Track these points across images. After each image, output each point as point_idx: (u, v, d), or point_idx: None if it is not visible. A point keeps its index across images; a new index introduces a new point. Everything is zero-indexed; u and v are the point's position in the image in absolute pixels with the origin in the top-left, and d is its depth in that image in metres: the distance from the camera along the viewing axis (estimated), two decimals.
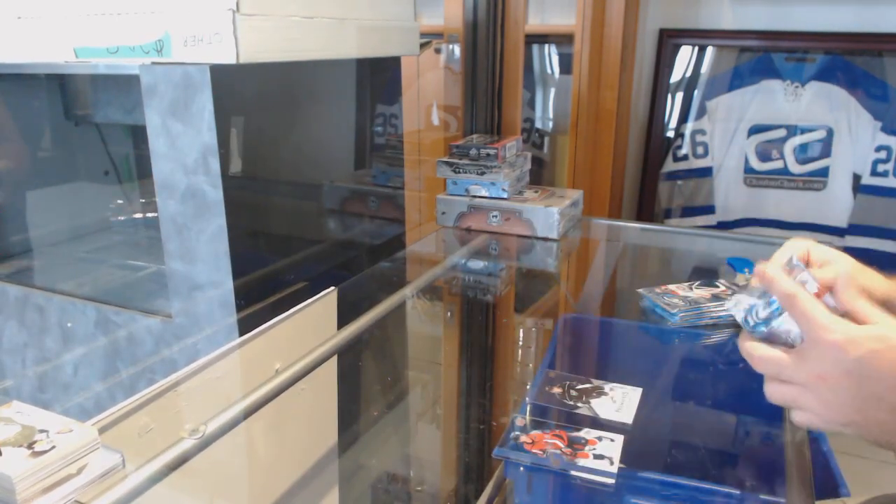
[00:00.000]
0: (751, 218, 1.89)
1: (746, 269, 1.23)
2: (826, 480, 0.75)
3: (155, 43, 0.91)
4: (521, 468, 0.68)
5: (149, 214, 1.58)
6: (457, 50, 1.60)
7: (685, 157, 1.92)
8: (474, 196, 1.41)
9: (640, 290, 1.11)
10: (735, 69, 1.85)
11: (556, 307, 1.26)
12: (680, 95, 1.91)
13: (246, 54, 0.88)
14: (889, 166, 1.73)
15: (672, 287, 1.10)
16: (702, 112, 1.88)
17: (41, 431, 0.58)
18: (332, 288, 1.05)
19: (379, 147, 1.37)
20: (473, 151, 1.39)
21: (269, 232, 1.08)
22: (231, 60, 0.87)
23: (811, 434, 0.74)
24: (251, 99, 1.00)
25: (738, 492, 0.64)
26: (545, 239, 1.36)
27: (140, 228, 1.56)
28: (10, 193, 1.38)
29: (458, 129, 1.66)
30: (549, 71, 2.02)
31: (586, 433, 0.72)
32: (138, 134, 1.51)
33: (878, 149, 1.74)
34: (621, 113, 1.87)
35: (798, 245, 0.62)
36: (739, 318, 0.60)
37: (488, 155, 1.38)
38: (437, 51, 1.63)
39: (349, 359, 1.00)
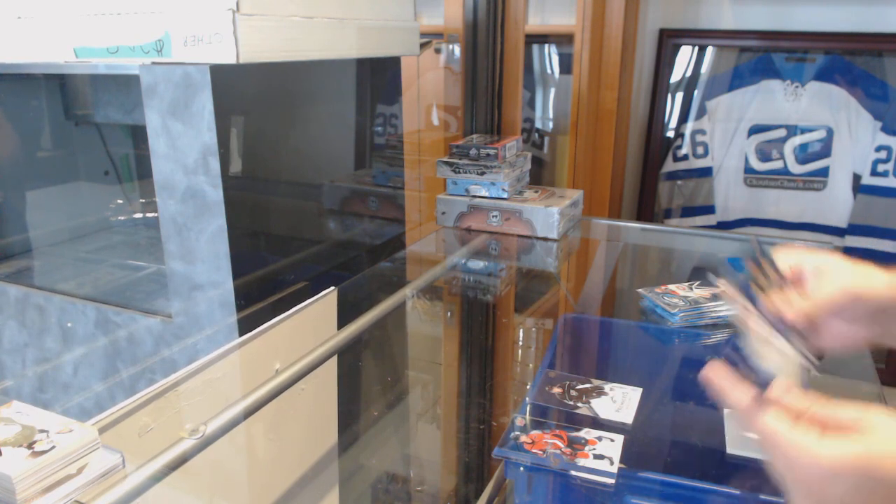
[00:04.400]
0: (751, 218, 1.89)
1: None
2: None
3: (155, 43, 0.91)
4: (521, 468, 0.68)
5: (149, 214, 1.58)
6: (457, 50, 1.60)
7: (685, 157, 1.92)
8: (474, 196, 1.41)
9: (640, 290, 1.11)
10: (735, 69, 1.85)
11: (556, 307, 1.26)
12: (680, 95, 1.91)
13: (246, 54, 0.88)
14: (889, 166, 1.73)
15: (672, 287, 1.10)
16: (702, 112, 1.88)
17: (41, 431, 0.58)
18: (332, 288, 1.05)
19: (379, 147, 1.37)
20: (473, 151, 1.39)
21: (269, 232, 1.08)
22: (231, 60, 0.87)
23: None
24: (251, 99, 1.00)
25: (737, 492, 0.64)
26: (545, 239, 1.36)
27: (140, 228, 1.56)
28: (9, 193, 1.38)
29: (458, 129, 1.66)
30: (549, 71, 2.02)
31: (586, 433, 0.72)
32: (138, 134, 1.51)
33: (878, 149, 1.74)
34: (621, 113, 1.87)
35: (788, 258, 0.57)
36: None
37: (488, 155, 1.38)
38: (437, 51, 1.63)
39: (349, 359, 1.00)
